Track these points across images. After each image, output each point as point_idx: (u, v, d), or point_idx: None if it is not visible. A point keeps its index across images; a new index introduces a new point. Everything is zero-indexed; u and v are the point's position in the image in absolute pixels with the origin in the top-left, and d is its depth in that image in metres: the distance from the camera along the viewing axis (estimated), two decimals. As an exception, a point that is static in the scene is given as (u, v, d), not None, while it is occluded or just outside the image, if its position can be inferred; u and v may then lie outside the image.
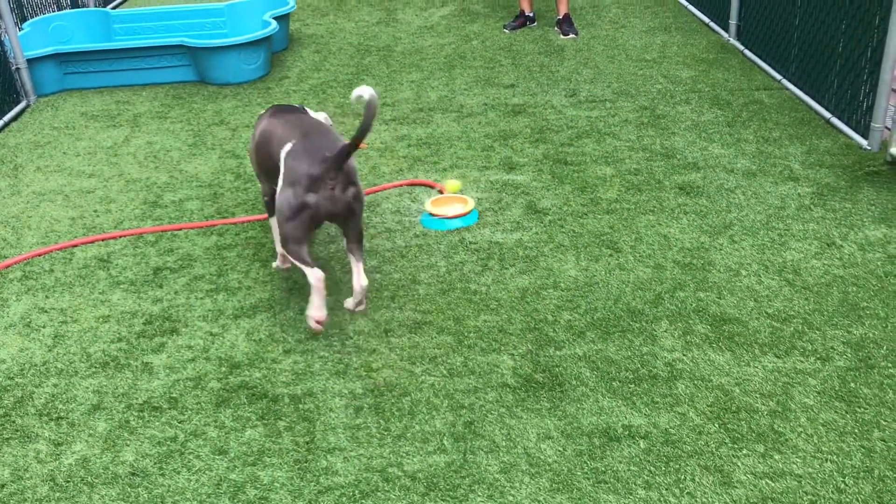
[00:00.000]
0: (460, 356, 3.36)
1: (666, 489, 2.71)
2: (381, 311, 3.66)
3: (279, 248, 3.91)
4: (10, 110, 6.03)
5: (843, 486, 2.69)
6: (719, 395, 3.09)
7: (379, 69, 6.66)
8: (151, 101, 6.23)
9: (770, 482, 2.72)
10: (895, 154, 4.60)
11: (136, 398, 3.24)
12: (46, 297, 3.91)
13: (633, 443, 2.90)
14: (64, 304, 3.85)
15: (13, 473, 2.92)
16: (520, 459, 2.86)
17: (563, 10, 7.25)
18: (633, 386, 3.16)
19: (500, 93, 6.03)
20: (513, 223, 4.30)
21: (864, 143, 4.89)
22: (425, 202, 4.44)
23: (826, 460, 2.79)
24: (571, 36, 7.17)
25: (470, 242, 4.15)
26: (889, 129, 4.80)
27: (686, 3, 7.90)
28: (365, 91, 3.18)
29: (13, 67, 6.17)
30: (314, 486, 2.80)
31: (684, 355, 3.30)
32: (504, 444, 2.92)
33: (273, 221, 3.87)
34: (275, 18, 6.80)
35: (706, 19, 7.35)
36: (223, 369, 3.37)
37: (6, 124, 5.91)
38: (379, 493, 2.76)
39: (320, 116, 3.91)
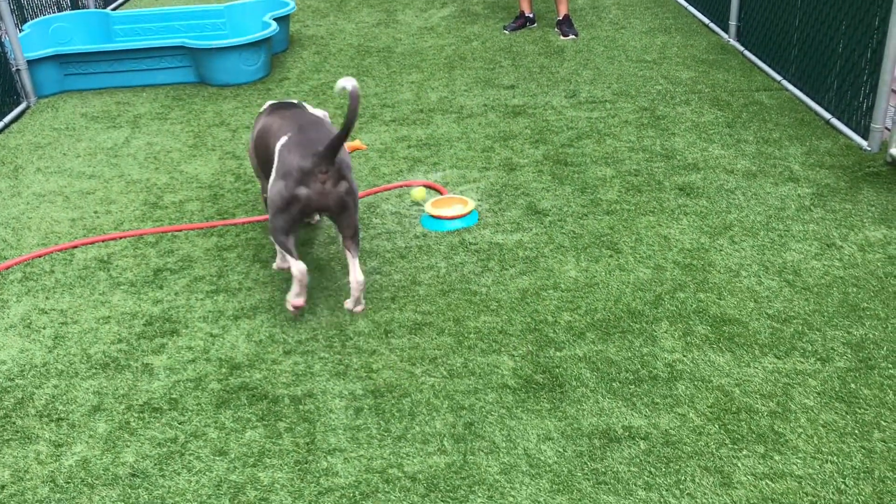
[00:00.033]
0: (460, 357, 3.36)
1: (666, 490, 2.71)
2: (382, 311, 3.66)
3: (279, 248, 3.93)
4: (10, 111, 6.03)
5: (843, 486, 2.69)
6: (719, 395, 3.09)
7: (379, 70, 6.67)
8: (152, 103, 6.23)
9: (770, 483, 2.72)
10: (895, 155, 4.60)
11: (137, 399, 3.24)
12: (47, 298, 3.91)
13: (634, 444, 2.90)
14: (64, 306, 3.85)
15: (13, 475, 2.92)
16: (520, 460, 2.86)
17: (562, 10, 7.25)
18: (633, 387, 3.16)
19: (500, 94, 6.03)
20: (513, 224, 4.31)
21: (864, 143, 4.89)
22: (426, 204, 4.44)
23: (826, 461, 2.79)
24: (571, 37, 7.18)
25: (470, 243, 4.15)
26: (889, 130, 4.80)
27: (686, 4, 7.91)
28: (347, 82, 3.24)
29: (13, 69, 6.18)
30: (314, 487, 2.80)
31: (684, 356, 3.30)
32: (504, 445, 2.93)
33: None
34: (275, 20, 6.80)
35: (706, 20, 7.35)
36: (223, 370, 3.37)
37: (6, 125, 5.91)
38: (379, 494, 2.76)
39: (319, 113, 3.93)
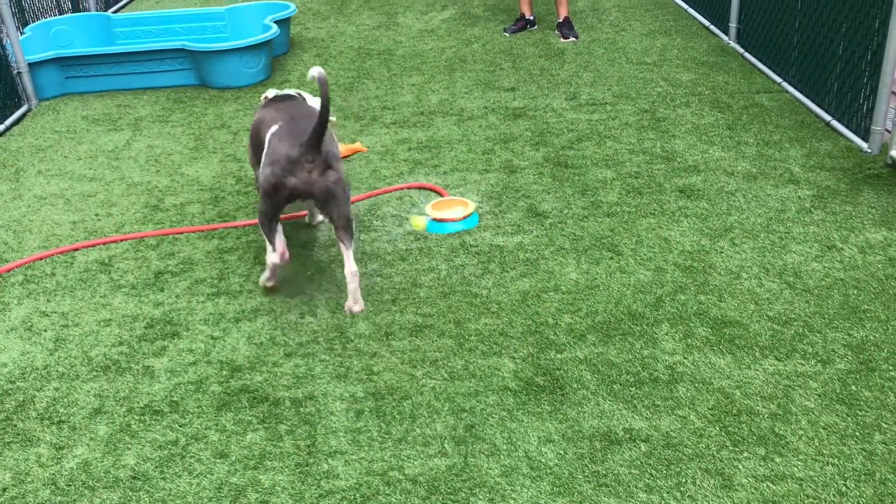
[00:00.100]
0: (461, 359, 3.37)
1: (667, 492, 2.71)
2: (382, 314, 3.67)
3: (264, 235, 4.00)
4: (11, 114, 6.03)
5: (844, 489, 2.69)
6: (720, 398, 3.09)
7: (379, 73, 6.67)
8: (152, 105, 6.24)
9: (771, 485, 2.72)
10: (895, 157, 4.60)
11: (138, 402, 3.24)
12: (48, 300, 3.91)
13: (634, 446, 2.90)
14: (65, 308, 3.85)
15: (14, 477, 2.92)
16: (521, 463, 2.86)
17: (563, 13, 7.26)
18: (633, 389, 3.16)
19: (501, 96, 6.03)
20: (513, 226, 4.31)
21: (864, 145, 4.89)
22: (426, 206, 4.44)
23: (827, 463, 2.79)
24: (572, 39, 7.18)
25: (471, 246, 4.15)
26: (889, 132, 4.81)
27: (686, 6, 7.91)
28: (315, 71, 3.36)
29: (14, 71, 6.18)
30: (315, 489, 2.80)
31: (685, 358, 3.30)
32: (505, 447, 2.93)
33: None
34: (275, 22, 6.81)
35: (706, 22, 7.36)
36: (224, 373, 3.37)
37: (7, 128, 5.92)
38: (380, 497, 2.76)
39: (317, 103, 3.95)
